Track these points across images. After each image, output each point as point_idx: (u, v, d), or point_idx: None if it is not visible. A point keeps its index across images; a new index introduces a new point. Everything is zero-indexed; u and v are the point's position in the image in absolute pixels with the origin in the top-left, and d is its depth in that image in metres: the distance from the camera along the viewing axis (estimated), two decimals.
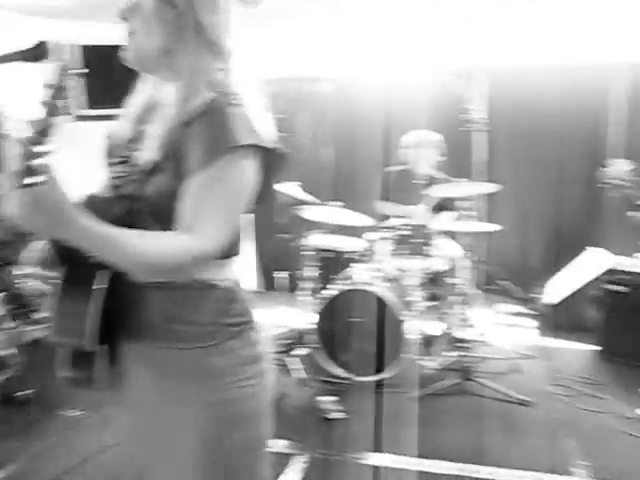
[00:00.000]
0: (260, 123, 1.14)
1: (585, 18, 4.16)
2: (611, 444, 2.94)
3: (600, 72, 4.93)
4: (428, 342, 3.98)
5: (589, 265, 4.59)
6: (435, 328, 4.13)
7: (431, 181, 4.27)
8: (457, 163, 5.18)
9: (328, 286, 3.69)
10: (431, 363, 3.61)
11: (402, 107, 5.22)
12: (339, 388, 3.43)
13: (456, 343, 3.70)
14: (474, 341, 3.96)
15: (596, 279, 4.33)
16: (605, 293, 4.01)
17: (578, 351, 4.19)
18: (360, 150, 5.42)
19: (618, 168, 2.83)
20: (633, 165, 2.89)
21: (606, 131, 5.01)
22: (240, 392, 1.21)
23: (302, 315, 4.02)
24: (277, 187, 3.79)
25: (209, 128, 1.09)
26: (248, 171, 1.13)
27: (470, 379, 3.45)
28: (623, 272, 3.93)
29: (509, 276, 4.97)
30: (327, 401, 3.21)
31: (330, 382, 3.50)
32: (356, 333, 3.50)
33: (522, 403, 3.30)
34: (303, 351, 3.72)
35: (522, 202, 5.31)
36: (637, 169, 3.07)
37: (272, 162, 1.18)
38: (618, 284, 3.93)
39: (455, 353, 3.62)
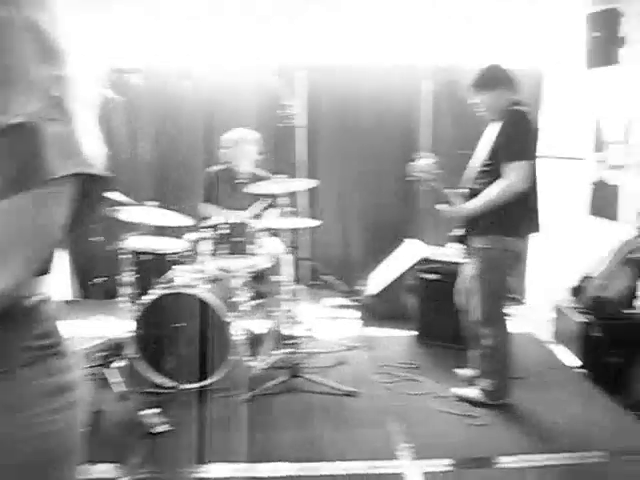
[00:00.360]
0: (85, 142, 0.94)
1: (397, 21, 4.38)
2: (432, 423, 3.11)
3: (411, 73, 5.25)
4: (255, 342, 3.92)
5: (405, 256, 4.86)
6: (262, 327, 4.09)
7: (252, 180, 4.22)
8: (278, 160, 5.23)
9: (149, 291, 3.47)
10: (259, 363, 3.54)
11: (223, 105, 5.12)
12: (163, 399, 3.21)
13: (284, 340, 3.68)
14: (301, 337, 3.98)
15: (412, 269, 4.59)
16: (420, 281, 4.24)
17: (399, 338, 4.38)
18: (181, 148, 5.23)
19: (423, 162, 3.00)
20: (436, 159, 3.07)
21: (418, 128, 5.35)
22: (37, 430, 1.00)
23: (121, 323, 3.74)
24: (97, 210, 3.47)
25: (19, 151, 0.87)
26: (61, 202, 0.93)
27: (298, 376, 3.44)
28: (435, 261, 4.19)
29: (332, 270, 5.10)
30: (150, 414, 2.99)
31: (153, 393, 3.28)
32: (179, 339, 3.32)
33: (349, 394, 3.36)
34: (122, 362, 3.45)
35: (342, 197, 5.49)
36: (441, 163, 3.25)
37: (94, 186, 0.98)
38: (431, 272, 4.18)
39: (283, 351, 3.59)
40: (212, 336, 3.30)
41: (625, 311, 3.69)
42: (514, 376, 3.32)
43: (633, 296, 3.66)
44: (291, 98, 4.32)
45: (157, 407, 3.05)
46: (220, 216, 3.99)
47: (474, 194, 3.08)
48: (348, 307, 5.01)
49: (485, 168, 3.07)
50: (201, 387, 3.30)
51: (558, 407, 3.29)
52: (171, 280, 3.53)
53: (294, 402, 3.32)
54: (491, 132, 3.09)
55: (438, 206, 3.16)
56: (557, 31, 4.59)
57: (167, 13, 4.13)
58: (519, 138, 2.98)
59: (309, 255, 5.47)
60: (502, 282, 3.13)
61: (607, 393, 3.47)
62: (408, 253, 4.91)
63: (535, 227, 3.13)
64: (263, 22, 4.28)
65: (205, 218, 4.06)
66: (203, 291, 3.37)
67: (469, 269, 3.23)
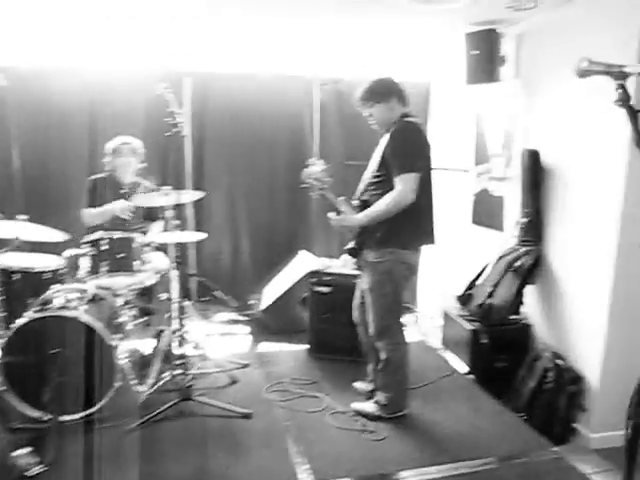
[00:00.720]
0: None
1: (284, 32, 4.32)
2: (330, 441, 3.03)
3: (302, 83, 5.23)
4: (143, 364, 3.67)
5: (296, 268, 4.79)
6: (149, 348, 3.84)
7: (135, 189, 3.99)
8: (165, 170, 4.99)
9: (23, 314, 3.12)
10: (147, 387, 3.29)
11: (107, 112, 4.81)
12: (40, 434, 2.89)
13: (173, 361, 3.44)
14: (191, 356, 3.77)
15: (303, 281, 4.53)
16: (312, 294, 4.17)
17: (292, 352, 4.29)
18: (59, 157, 4.83)
19: (315, 168, 2.94)
20: (326, 165, 3.02)
21: (307, 138, 5.32)
22: None
23: None
24: None
25: None
26: None
27: (189, 399, 3.23)
28: (327, 274, 4.15)
29: (222, 285, 4.92)
30: (24, 454, 2.66)
31: (27, 429, 2.94)
32: (56, 366, 3.00)
33: (243, 416, 3.22)
34: None
35: (231, 209, 5.33)
36: (330, 172, 3.21)
37: None
38: (322, 285, 4.13)
39: (172, 372, 3.37)
40: (95, 361, 3.03)
41: (511, 317, 3.84)
42: (410, 386, 3.34)
43: (518, 302, 3.81)
44: (179, 106, 4.17)
45: (32, 445, 2.73)
46: (102, 217, 3.75)
47: (366, 205, 3.07)
48: (239, 323, 4.85)
49: (375, 179, 3.07)
50: (83, 418, 3.01)
51: (452, 415, 3.34)
52: (48, 301, 3.20)
53: (186, 427, 3.11)
54: (382, 144, 3.09)
55: (329, 214, 3.11)
56: (443, 47, 4.75)
57: (48, 12, 3.78)
58: (408, 150, 3.00)
59: (197, 270, 5.26)
60: (397, 295, 3.12)
61: (496, 398, 3.59)
62: (299, 266, 4.85)
63: (430, 239, 3.16)
64: (150, 26, 4.06)
65: (87, 230, 3.78)
66: (83, 313, 3.09)
67: (364, 282, 3.21)
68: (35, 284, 3.47)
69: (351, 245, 3.19)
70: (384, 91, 3.10)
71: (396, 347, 3.15)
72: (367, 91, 3.11)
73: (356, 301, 3.43)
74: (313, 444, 2.97)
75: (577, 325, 3.44)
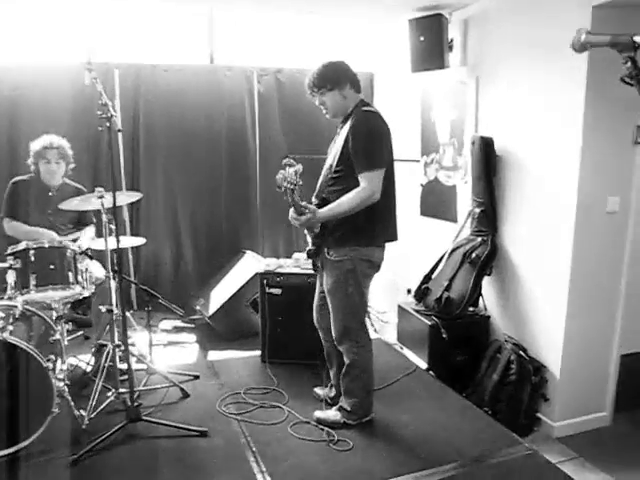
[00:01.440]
0: None
1: (226, 23, 4.09)
2: (294, 455, 2.81)
3: (242, 74, 4.97)
4: (83, 383, 3.36)
5: (243, 270, 4.55)
6: (89, 365, 3.52)
7: (63, 193, 3.64)
8: (95, 169, 4.64)
9: None
10: (88, 411, 2.97)
11: (32, 109, 4.41)
12: None
13: (117, 378, 3.14)
14: (135, 371, 3.48)
15: (251, 283, 4.30)
16: (263, 297, 3.93)
17: (244, 359, 4.03)
18: None
19: (291, 170, 2.66)
20: (301, 167, 2.74)
21: (252, 132, 5.07)
22: None
23: None
24: None
25: None
26: None
27: (137, 419, 2.94)
28: (276, 274, 3.91)
29: (165, 291, 4.62)
30: None
31: None
32: None
33: (199, 434, 2.96)
34: None
35: (170, 210, 5.01)
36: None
37: None
38: (274, 287, 3.90)
39: (116, 391, 3.07)
40: (28, 387, 2.70)
41: (469, 310, 3.76)
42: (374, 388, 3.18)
43: (476, 294, 3.73)
44: (111, 98, 3.87)
45: None
46: (28, 236, 3.41)
47: (325, 204, 2.85)
48: (184, 330, 4.56)
49: (335, 175, 2.84)
50: (12, 454, 2.66)
51: (419, 416, 3.20)
52: None
53: (136, 452, 2.81)
54: (342, 136, 2.86)
55: (291, 215, 2.86)
56: (385, 36, 4.62)
57: None
58: (372, 146, 2.75)
59: (137, 277, 4.93)
60: (361, 295, 2.93)
61: (459, 393, 3.49)
62: (245, 267, 4.61)
63: (393, 235, 2.98)
64: (76, 17, 3.73)
65: (12, 240, 3.42)
66: (10, 334, 2.74)
67: (325, 283, 3.00)
68: None
69: (310, 247, 2.98)
70: (336, 77, 2.86)
71: (361, 349, 2.97)
72: (318, 77, 2.86)
73: (316, 303, 3.22)
74: (277, 461, 2.75)
75: (536, 315, 3.39)
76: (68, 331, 3.65)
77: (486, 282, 3.77)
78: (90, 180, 4.46)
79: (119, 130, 2.78)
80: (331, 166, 2.86)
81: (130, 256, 4.92)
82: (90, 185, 4.07)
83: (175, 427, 2.96)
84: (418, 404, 3.36)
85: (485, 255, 3.65)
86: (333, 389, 3.29)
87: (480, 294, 3.79)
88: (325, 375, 3.43)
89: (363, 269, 2.88)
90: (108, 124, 2.79)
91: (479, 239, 3.73)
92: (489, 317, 3.80)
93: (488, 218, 3.67)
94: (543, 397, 3.31)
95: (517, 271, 3.54)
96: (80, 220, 3.88)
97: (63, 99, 4.43)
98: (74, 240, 3.72)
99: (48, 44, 4.35)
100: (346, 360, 3.00)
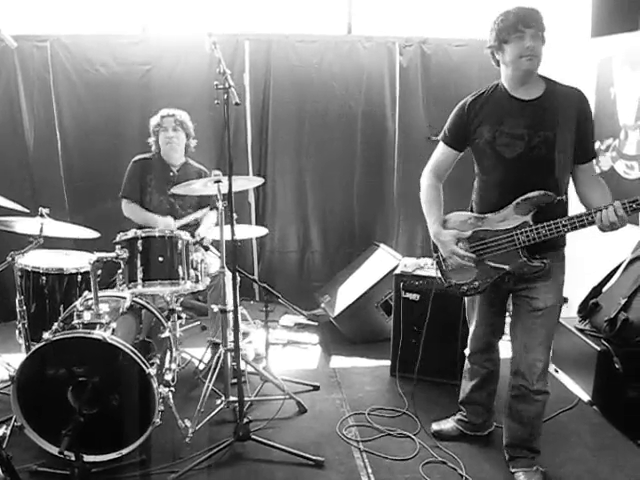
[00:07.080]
0: None
1: None
2: None
3: (382, 45, 4.46)
4: (191, 384, 3.08)
5: (376, 267, 4.07)
6: (201, 362, 3.27)
7: (186, 174, 3.43)
8: (218, 150, 4.37)
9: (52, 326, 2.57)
10: (192, 423, 2.63)
11: (163, 83, 4.26)
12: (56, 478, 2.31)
13: (227, 384, 2.78)
14: (249, 374, 3.14)
15: (384, 282, 3.80)
16: (397, 301, 3.39)
17: (371, 370, 3.54)
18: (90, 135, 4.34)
19: None
20: None
21: (392, 110, 4.55)
22: None
23: None
24: None
25: None
26: None
27: (245, 438, 2.54)
28: (414, 276, 3.35)
29: (288, 286, 4.27)
30: None
31: (44, 472, 2.35)
32: (81, 396, 2.38)
33: (314, 463, 2.51)
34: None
35: (299, 196, 4.64)
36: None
37: None
38: (409, 291, 3.35)
39: (227, 400, 2.73)
40: (129, 391, 2.40)
41: None
42: None
43: None
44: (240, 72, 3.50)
45: None
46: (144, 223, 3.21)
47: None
48: (306, 329, 4.17)
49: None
50: (112, 460, 2.39)
51: (584, 470, 2.52)
52: (69, 317, 2.60)
53: (238, 477, 2.42)
54: (540, 110, 2.18)
55: None
56: None
57: None
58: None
59: (258, 268, 4.64)
60: None
61: (629, 438, 2.75)
62: (378, 264, 4.10)
63: None
64: None
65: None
66: (112, 332, 2.45)
67: (539, 300, 2.30)
68: (67, 288, 3.00)
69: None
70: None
71: (547, 393, 2.36)
72: (542, 17, 2.09)
73: (481, 333, 2.56)
74: None
75: None
76: (186, 318, 3.46)
77: None
78: (213, 162, 4.20)
79: (236, 103, 2.36)
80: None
81: (254, 244, 4.62)
82: (215, 167, 3.79)
83: (287, 452, 2.54)
84: (584, 454, 2.64)
85: None
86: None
87: None
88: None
89: None
90: (225, 96, 2.39)
91: None
92: None
93: None
94: None
95: None
96: (202, 205, 3.60)
97: (187, 76, 4.24)
98: (195, 221, 3.50)
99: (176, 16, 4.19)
100: (537, 409, 2.37)
